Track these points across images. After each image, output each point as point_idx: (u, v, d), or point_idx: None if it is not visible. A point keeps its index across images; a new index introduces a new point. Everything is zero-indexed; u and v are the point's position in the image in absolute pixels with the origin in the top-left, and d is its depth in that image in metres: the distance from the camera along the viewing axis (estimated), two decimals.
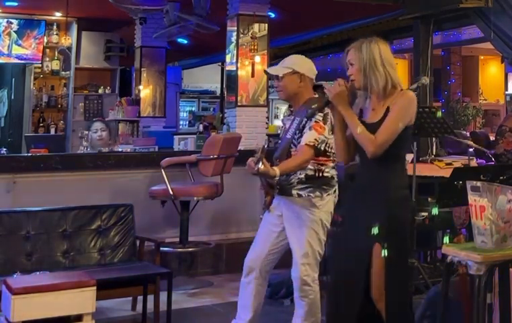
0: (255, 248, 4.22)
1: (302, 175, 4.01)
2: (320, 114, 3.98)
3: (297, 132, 4.01)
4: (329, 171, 4.08)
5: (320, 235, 4.08)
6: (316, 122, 3.97)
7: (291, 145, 4.05)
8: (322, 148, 4.00)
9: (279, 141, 4.20)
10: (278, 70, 4.16)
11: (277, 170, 3.84)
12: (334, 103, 3.48)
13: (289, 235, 4.10)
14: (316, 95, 4.15)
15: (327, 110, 3.92)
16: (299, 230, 4.04)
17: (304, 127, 3.99)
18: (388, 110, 3.42)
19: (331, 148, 4.04)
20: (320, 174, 4.04)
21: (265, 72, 4.28)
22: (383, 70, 3.42)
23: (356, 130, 3.40)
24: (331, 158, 4.07)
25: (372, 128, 3.41)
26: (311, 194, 4.02)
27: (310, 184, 4.02)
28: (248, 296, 4.18)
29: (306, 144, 3.94)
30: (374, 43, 3.47)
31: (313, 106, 3.98)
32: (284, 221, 4.12)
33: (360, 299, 3.42)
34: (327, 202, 4.08)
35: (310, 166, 4.01)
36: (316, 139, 3.95)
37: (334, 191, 4.14)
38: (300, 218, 4.04)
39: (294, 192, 4.03)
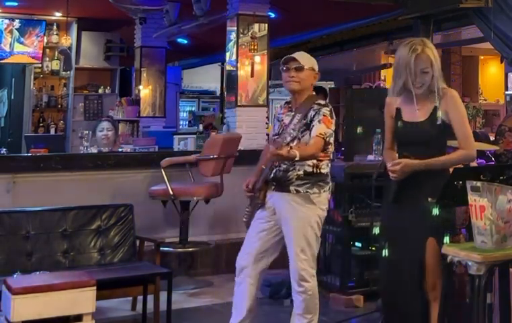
0: (246, 247, 4.21)
1: (301, 172, 4.02)
2: (326, 108, 4.09)
3: (302, 126, 4.04)
4: (325, 168, 4.12)
5: (316, 231, 4.08)
6: (324, 115, 4.06)
7: (295, 139, 4.03)
8: (330, 141, 4.08)
9: (275, 136, 4.18)
10: (305, 60, 4.18)
11: (297, 152, 3.84)
12: (407, 174, 3.61)
13: (285, 231, 4.09)
14: (314, 94, 4.24)
15: (330, 106, 4.16)
16: (296, 226, 4.03)
17: (311, 121, 4.04)
18: (435, 108, 3.61)
19: (331, 144, 4.12)
20: (318, 170, 4.06)
21: (289, 58, 4.08)
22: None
23: (448, 164, 3.64)
24: (328, 154, 4.12)
25: (420, 126, 3.63)
26: (309, 190, 4.03)
27: (307, 181, 4.03)
28: (240, 296, 4.17)
29: (317, 135, 4.00)
30: None
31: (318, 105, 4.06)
32: (279, 217, 4.10)
33: (415, 290, 3.60)
34: (323, 199, 4.11)
35: (308, 162, 4.03)
36: (325, 132, 4.03)
37: (329, 188, 4.16)
38: (297, 214, 4.03)
39: (292, 188, 4.03)
